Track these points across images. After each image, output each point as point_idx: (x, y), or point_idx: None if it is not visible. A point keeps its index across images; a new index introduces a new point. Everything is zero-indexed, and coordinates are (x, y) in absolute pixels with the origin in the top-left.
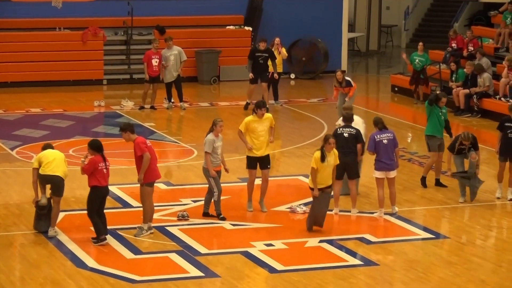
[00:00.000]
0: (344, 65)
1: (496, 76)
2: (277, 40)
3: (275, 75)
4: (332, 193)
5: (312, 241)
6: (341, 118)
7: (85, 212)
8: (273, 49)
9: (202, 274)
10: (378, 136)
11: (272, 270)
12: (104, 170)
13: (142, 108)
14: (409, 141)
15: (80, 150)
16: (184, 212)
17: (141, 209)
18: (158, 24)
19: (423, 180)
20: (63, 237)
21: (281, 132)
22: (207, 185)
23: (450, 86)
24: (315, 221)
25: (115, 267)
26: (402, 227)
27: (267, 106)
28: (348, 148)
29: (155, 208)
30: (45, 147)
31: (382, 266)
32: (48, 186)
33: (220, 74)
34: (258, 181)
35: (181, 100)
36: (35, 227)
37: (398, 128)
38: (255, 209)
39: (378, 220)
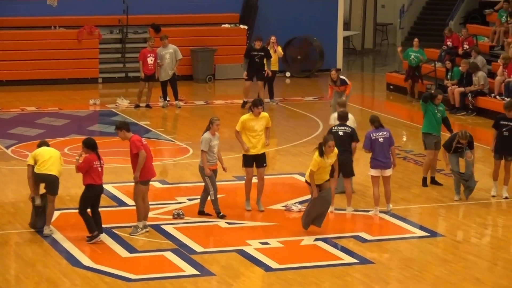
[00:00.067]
0: (339, 64)
1: (491, 74)
2: (272, 38)
3: (268, 72)
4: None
5: (308, 240)
6: (334, 114)
7: None
8: (269, 48)
9: (197, 273)
10: (374, 134)
11: (267, 268)
12: (99, 168)
13: (137, 106)
14: (404, 139)
15: (75, 149)
16: (180, 211)
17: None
18: (154, 23)
19: (424, 180)
20: (58, 236)
21: (277, 130)
22: (203, 184)
23: (445, 84)
24: (314, 220)
25: (111, 265)
26: (398, 225)
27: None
28: (343, 146)
29: (151, 206)
30: (40, 145)
31: (378, 264)
32: (42, 185)
33: (215, 72)
34: (254, 180)
35: (176, 98)
36: (32, 225)
37: (393, 126)
38: (252, 208)
39: (374, 218)
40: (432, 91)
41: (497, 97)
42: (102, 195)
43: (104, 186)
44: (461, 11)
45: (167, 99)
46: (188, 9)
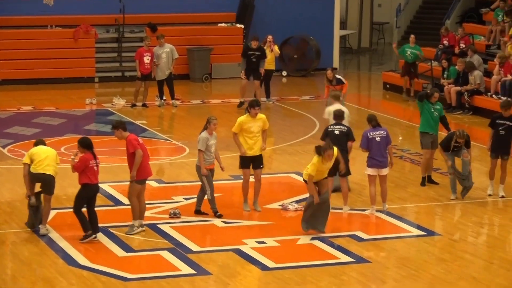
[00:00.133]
0: (336, 63)
1: (488, 73)
2: (269, 37)
3: (261, 70)
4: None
5: (304, 239)
6: (329, 107)
7: None
8: (265, 47)
9: (194, 272)
10: (371, 133)
11: (264, 267)
12: (95, 168)
13: (134, 105)
14: (400, 139)
15: (71, 148)
16: (176, 210)
17: None
18: (150, 22)
19: (423, 180)
20: (54, 235)
21: (273, 129)
22: (200, 183)
23: (442, 83)
24: (317, 225)
25: (107, 265)
26: (394, 224)
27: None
28: (339, 145)
29: (147, 205)
30: (37, 143)
31: (374, 263)
32: (38, 185)
33: (211, 71)
34: (251, 179)
35: (173, 97)
36: (30, 224)
37: (390, 125)
38: (249, 209)
39: (370, 217)
40: (428, 90)
41: (494, 96)
42: (99, 194)
43: (101, 185)
44: (458, 10)
45: (164, 98)
46: (184, 8)
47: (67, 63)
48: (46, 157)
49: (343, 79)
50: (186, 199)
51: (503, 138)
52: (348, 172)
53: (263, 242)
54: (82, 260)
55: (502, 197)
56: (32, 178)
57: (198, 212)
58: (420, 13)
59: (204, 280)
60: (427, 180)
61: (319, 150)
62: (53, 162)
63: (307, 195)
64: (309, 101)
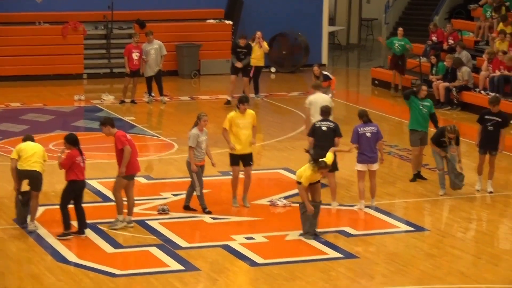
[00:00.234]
0: (324, 59)
1: (476, 69)
2: (258, 34)
3: (238, 64)
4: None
5: (293, 234)
6: (309, 97)
7: None
8: (254, 43)
9: (182, 268)
10: (361, 129)
11: (252, 263)
12: (81, 164)
13: (122, 102)
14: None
15: (60, 145)
16: (165, 206)
17: (124, 203)
18: (139, 18)
19: (415, 177)
20: (43, 231)
21: (262, 125)
22: (189, 179)
23: (430, 79)
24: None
25: (95, 261)
26: (383, 220)
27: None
28: (326, 141)
29: (135, 202)
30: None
31: (363, 259)
32: (25, 182)
33: (200, 68)
34: (240, 176)
35: (161, 94)
36: (18, 221)
37: (378, 121)
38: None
39: (359, 213)
40: (414, 87)
41: (482, 92)
42: (87, 191)
43: (89, 181)
44: (446, 6)
45: (152, 94)
46: (173, 5)
47: (56, 60)
48: (33, 153)
49: (330, 75)
50: (175, 195)
51: (491, 133)
52: (335, 168)
53: (251, 238)
54: (70, 256)
55: (490, 192)
56: (19, 174)
57: (187, 208)
58: (408, 9)
59: (192, 276)
60: (416, 176)
61: (317, 165)
62: (40, 158)
63: (296, 191)
64: (298, 97)
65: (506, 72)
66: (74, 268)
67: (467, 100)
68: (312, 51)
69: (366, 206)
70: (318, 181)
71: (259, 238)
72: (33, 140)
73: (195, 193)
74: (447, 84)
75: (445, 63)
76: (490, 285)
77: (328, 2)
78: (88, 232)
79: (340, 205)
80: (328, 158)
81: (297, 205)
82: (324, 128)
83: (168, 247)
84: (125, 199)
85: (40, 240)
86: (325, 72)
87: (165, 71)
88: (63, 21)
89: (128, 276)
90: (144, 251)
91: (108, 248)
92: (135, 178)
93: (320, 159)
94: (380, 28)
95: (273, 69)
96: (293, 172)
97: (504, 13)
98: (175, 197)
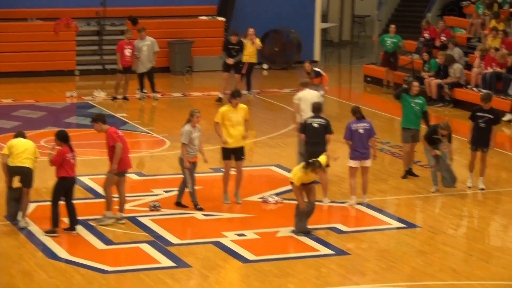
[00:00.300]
0: (317, 55)
1: (468, 66)
2: (251, 30)
3: (229, 60)
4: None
5: (284, 231)
6: (298, 93)
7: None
8: (247, 40)
9: (174, 265)
10: (354, 125)
11: (244, 260)
12: (72, 161)
13: (114, 98)
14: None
15: (52, 141)
16: (156, 203)
17: (115, 200)
18: (131, 15)
19: (406, 173)
20: (34, 228)
21: (254, 122)
22: (181, 176)
23: (423, 76)
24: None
25: (86, 257)
26: (374, 217)
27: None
28: (318, 138)
29: (127, 198)
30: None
31: (354, 256)
32: (17, 178)
33: (192, 64)
34: (232, 172)
35: (153, 90)
36: (9, 217)
37: (371, 117)
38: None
39: (350, 209)
40: (405, 84)
41: (474, 88)
42: (78, 187)
43: (80, 178)
44: (439, 3)
45: (144, 91)
46: (165, 1)
47: (48, 56)
48: (24, 150)
49: (321, 72)
50: (166, 191)
51: (483, 130)
52: (327, 164)
53: (243, 235)
54: (62, 253)
55: (482, 189)
56: (10, 171)
57: (179, 204)
58: (401, 6)
59: (184, 272)
60: (407, 173)
61: (309, 166)
62: (31, 155)
63: (288, 187)
64: (290, 94)
65: (498, 69)
66: (65, 264)
67: (459, 97)
68: (305, 47)
69: (358, 203)
70: (313, 182)
71: (250, 234)
72: (24, 137)
73: (187, 190)
74: (439, 81)
75: (437, 60)
76: (481, 282)
77: None
78: (80, 228)
79: (331, 201)
80: (322, 158)
81: (289, 202)
82: (315, 124)
83: (159, 243)
84: (116, 195)
85: (31, 236)
86: (316, 69)
87: (157, 68)
88: (55, 17)
89: (119, 272)
90: (135, 248)
91: (99, 244)
92: (127, 175)
93: (313, 159)
94: (373, 25)
95: (265, 66)
96: (285, 169)
97: (497, 10)
98: (167, 194)
